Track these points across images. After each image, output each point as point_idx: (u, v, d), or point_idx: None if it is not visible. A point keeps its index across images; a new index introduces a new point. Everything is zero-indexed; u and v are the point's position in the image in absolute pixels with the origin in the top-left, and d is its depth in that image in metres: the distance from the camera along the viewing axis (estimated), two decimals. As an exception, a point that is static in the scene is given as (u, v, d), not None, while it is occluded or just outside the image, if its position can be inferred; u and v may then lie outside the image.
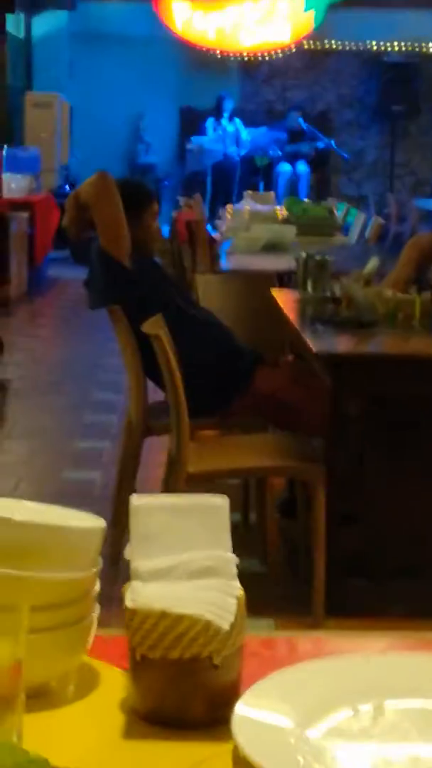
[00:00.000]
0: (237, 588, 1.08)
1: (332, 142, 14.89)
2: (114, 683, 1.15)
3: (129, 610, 1.06)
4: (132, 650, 1.07)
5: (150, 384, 4.37)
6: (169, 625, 1.04)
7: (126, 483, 4.41)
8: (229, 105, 14.85)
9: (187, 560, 1.07)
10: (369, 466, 4.14)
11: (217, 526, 1.10)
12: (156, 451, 4.91)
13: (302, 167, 14.76)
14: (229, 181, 14.53)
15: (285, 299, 4.77)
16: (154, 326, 3.77)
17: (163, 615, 1.04)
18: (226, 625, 1.04)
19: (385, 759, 0.99)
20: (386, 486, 4.10)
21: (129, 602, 1.06)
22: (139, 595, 1.05)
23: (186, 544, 1.09)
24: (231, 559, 1.09)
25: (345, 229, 8.90)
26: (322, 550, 3.83)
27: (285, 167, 14.72)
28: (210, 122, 14.84)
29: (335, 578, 3.88)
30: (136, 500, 1.11)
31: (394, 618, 3.88)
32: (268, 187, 13.74)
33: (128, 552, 1.10)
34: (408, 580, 4.18)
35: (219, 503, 1.12)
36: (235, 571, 1.09)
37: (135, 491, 4.37)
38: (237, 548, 1.13)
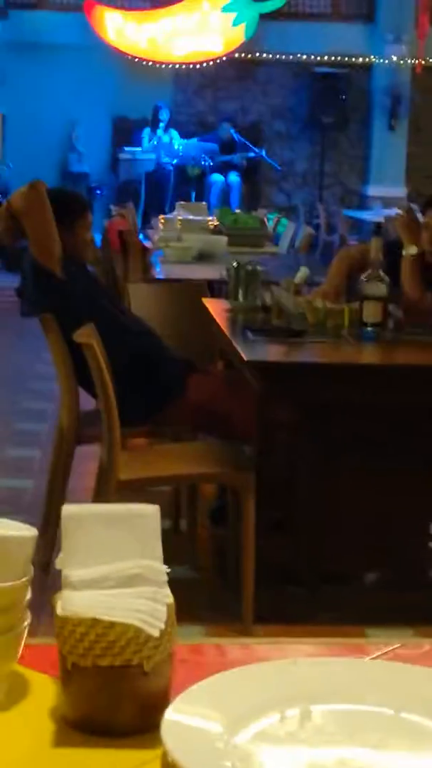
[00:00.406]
0: (167, 596, 1.09)
1: (263, 152, 14.96)
2: (44, 691, 1.15)
3: (60, 618, 1.07)
4: (63, 658, 1.08)
5: (81, 392, 4.37)
6: (100, 633, 1.05)
7: (56, 491, 4.41)
8: (164, 115, 14.87)
9: (118, 569, 1.09)
10: (299, 474, 4.17)
11: (147, 535, 1.12)
12: (87, 459, 4.91)
13: (234, 177, 14.82)
14: (163, 190, 14.54)
15: (216, 308, 4.80)
16: (86, 335, 3.78)
17: (94, 623, 1.05)
18: (156, 633, 1.06)
19: (313, 762, 1.01)
20: (316, 493, 4.13)
21: (60, 610, 1.07)
22: (70, 603, 1.06)
23: (117, 552, 1.10)
24: (161, 568, 1.10)
25: (275, 239, 8.95)
26: (252, 558, 3.85)
27: (217, 177, 14.76)
28: (146, 132, 14.85)
29: (265, 585, 3.91)
30: (67, 509, 1.12)
31: (323, 624, 3.92)
32: (200, 198, 13.77)
33: (60, 561, 1.11)
34: (336, 587, 4.22)
35: (150, 512, 1.13)
36: (165, 579, 1.10)
37: (65, 500, 4.37)
38: (167, 555, 1.14)
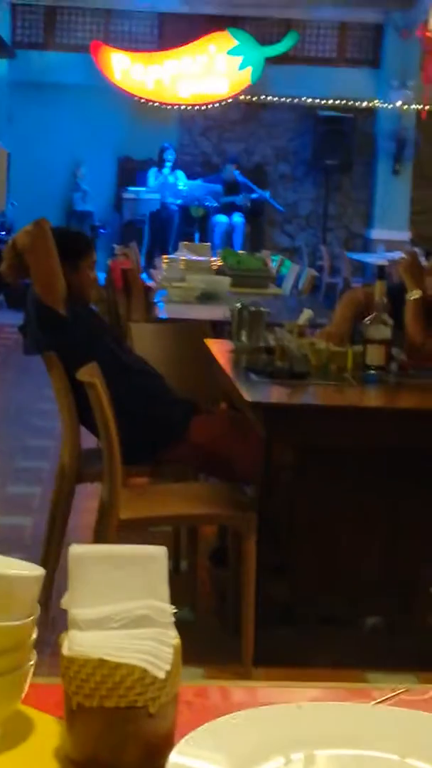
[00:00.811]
0: (173, 637, 1.09)
1: (267, 194, 15.05)
2: (48, 731, 1.15)
3: (66, 658, 1.07)
4: (68, 698, 1.08)
5: (83, 430, 4.38)
6: (106, 674, 1.05)
7: (56, 529, 4.40)
8: (170, 155, 14.97)
9: (125, 609, 1.09)
10: (300, 516, 4.17)
11: (154, 576, 1.12)
12: (87, 497, 4.91)
13: (237, 218, 14.89)
14: (167, 230, 14.61)
15: (219, 349, 4.81)
16: (89, 374, 3.78)
17: (100, 663, 1.05)
18: (161, 674, 1.06)
19: (317, 808, 1.01)
20: (316, 536, 4.12)
21: (66, 650, 1.07)
22: (77, 643, 1.06)
23: (123, 593, 1.10)
24: (167, 609, 1.10)
25: (279, 280, 8.99)
26: (252, 599, 3.84)
27: (221, 218, 14.84)
28: (152, 172, 14.94)
29: (264, 627, 3.90)
30: (74, 549, 1.12)
31: (323, 667, 3.90)
32: (204, 238, 13.84)
33: (66, 600, 1.11)
34: (334, 629, 4.20)
35: (157, 553, 1.13)
36: (171, 620, 1.10)
37: (65, 538, 4.37)
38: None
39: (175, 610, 1.11)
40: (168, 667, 1.06)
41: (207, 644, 3.98)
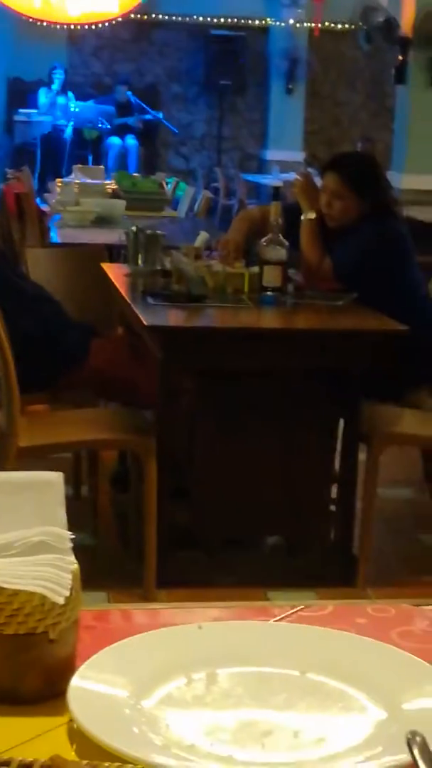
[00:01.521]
0: (72, 563, 1.09)
1: (160, 115, 14.89)
2: None
3: (-37, 587, 1.05)
4: (-34, 627, 1.07)
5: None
6: (4, 601, 1.05)
7: None
8: (60, 76, 14.69)
9: (22, 536, 1.08)
10: (199, 440, 4.18)
11: (51, 503, 1.11)
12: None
13: (131, 141, 14.72)
14: (59, 154, 14.38)
15: (115, 273, 4.77)
16: (-17, 300, 3.73)
17: (-2, 591, 1.04)
18: (61, 600, 1.05)
19: (220, 725, 1.02)
20: (215, 459, 4.14)
21: (-37, 579, 1.06)
22: (-26, 572, 1.05)
23: (20, 520, 1.09)
24: (65, 535, 1.10)
25: (174, 203, 8.92)
26: (153, 523, 3.86)
27: (114, 140, 14.65)
28: (42, 93, 14.66)
29: (166, 551, 3.92)
30: (-31, 477, 1.11)
31: (225, 588, 3.94)
32: (97, 161, 13.65)
33: (-38, 529, 1.10)
34: (237, 551, 4.25)
35: (53, 479, 1.12)
36: (69, 546, 1.09)
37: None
38: (69, 522, 1.13)
39: (73, 536, 1.10)
40: (67, 593, 1.06)
41: (109, 569, 3.99)
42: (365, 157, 5.65)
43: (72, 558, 1.09)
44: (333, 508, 4.29)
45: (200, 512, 4.19)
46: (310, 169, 5.66)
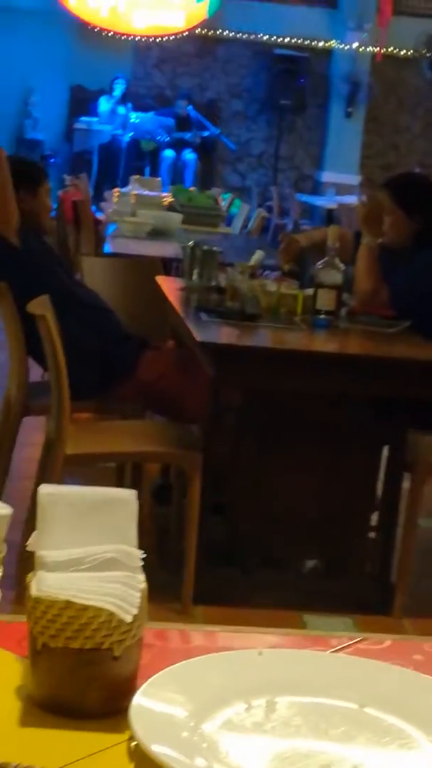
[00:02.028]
0: (141, 581, 1.09)
1: (218, 131, 14.93)
2: (10, 670, 1.15)
3: (33, 598, 1.07)
4: (33, 638, 1.08)
5: (31, 363, 4.35)
6: (73, 616, 1.06)
7: (1, 461, 4.38)
8: (121, 86, 14.77)
9: (93, 552, 1.09)
10: (243, 457, 4.19)
11: (123, 520, 1.12)
12: (33, 431, 4.89)
13: (188, 155, 14.77)
14: (115, 163, 14.46)
15: (169, 287, 4.79)
16: (40, 306, 3.75)
17: (67, 605, 1.05)
18: (128, 618, 1.06)
19: (279, 754, 1.02)
20: (258, 477, 4.14)
21: (34, 591, 1.07)
22: (44, 584, 1.06)
23: (92, 536, 1.10)
24: (136, 553, 1.11)
25: (228, 220, 8.95)
26: (194, 538, 3.86)
27: (168, 153, 14.71)
28: (102, 101, 14.75)
29: (204, 566, 3.92)
30: (44, 490, 1.12)
31: (260, 608, 3.94)
32: (154, 173, 13.71)
33: (33, 541, 1.11)
34: (273, 571, 4.24)
35: (127, 497, 1.13)
36: (139, 564, 1.10)
37: (9, 471, 4.36)
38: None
39: (144, 555, 1.11)
40: (135, 611, 1.07)
41: (147, 581, 3.99)
42: (418, 177, 5.64)
43: (142, 576, 1.09)
44: (373, 535, 4.29)
45: (239, 530, 4.19)
46: (370, 194, 5.59)
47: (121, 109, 14.68)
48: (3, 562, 1.12)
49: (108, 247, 6.45)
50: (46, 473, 3.88)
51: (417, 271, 4.40)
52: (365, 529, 4.28)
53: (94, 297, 4.51)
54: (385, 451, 4.24)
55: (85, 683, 1.07)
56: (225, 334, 4.13)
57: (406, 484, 4.15)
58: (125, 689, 1.08)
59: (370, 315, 4.43)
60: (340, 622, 3.86)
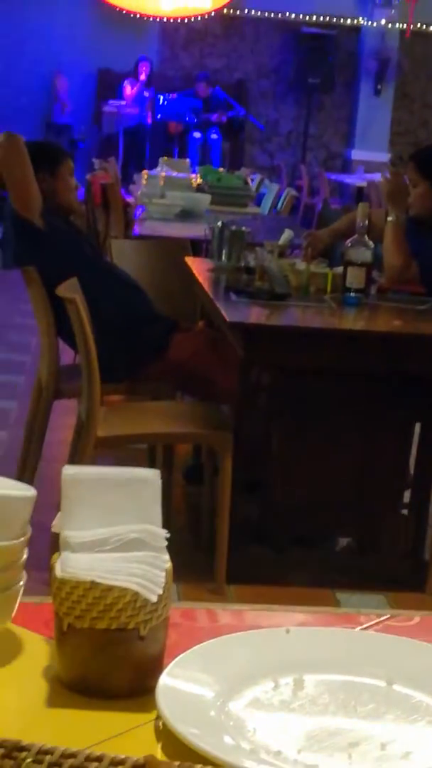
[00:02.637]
0: (166, 561, 1.09)
1: (243, 111, 14.88)
2: (37, 651, 1.15)
3: (58, 579, 1.06)
4: (59, 619, 1.08)
5: (62, 345, 4.36)
6: (98, 596, 1.05)
7: (33, 444, 4.40)
8: (146, 69, 14.74)
9: (117, 532, 1.08)
10: (274, 436, 4.18)
11: (147, 500, 1.11)
12: (64, 414, 4.91)
13: (214, 136, 14.73)
14: (143, 145, 14.44)
15: (199, 267, 4.78)
16: (69, 290, 3.75)
17: (92, 586, 1.05)
18: (153, 598, 1.06)
19: (307, 731, 1.02)
20: (290, 456, 4.14)
21: (59, 572, 1.07)
22: (69, 565, 1.06)
23: (116, 516, 1.10)
24: (160, 533, 1.10)
25: (258, 200, 8.92)
26: (227, 518, 3.86)
27: (198, 135, 14.67)
28: (127, 85, 14.72)
29: (237, 546, 3.92)
30: (68, 471, 1.11)
31: (293, 586, 3.94)
32: (182, 154, 13.69)
33: (58, 522, 1.11)
34: (306, 549, 4.24)
35: (150, 477, 1.13)
36: (164, 544, 1.10)
37: (41, 453, 4.37)
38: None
39: (167, 535, 1.10)
40: (160, 591, 1.07)
41: (180, 561, 3.95)
42: None
43: (166, 556, 1.09)
44: (405, 512, 4.27)
45: (272, 509, 4.19)
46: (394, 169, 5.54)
47: (147, 92, 14.65)
48: (28, 543, 1.12)
49: (137, 230, 6.45)
50: (78, 456, 3.89)
51: None
52: (398, 506, 4.27)
53: (125, 276, 4.51)
54: (418, 429, 4.23)
55: (112, 663, 1.07)
56: (254, 314, 4.12)
57: (438, 462, 4.13)
58: (152, 669, 1.08)
59: (400, 292, 4.41)
60: (374, 600, 3.86)
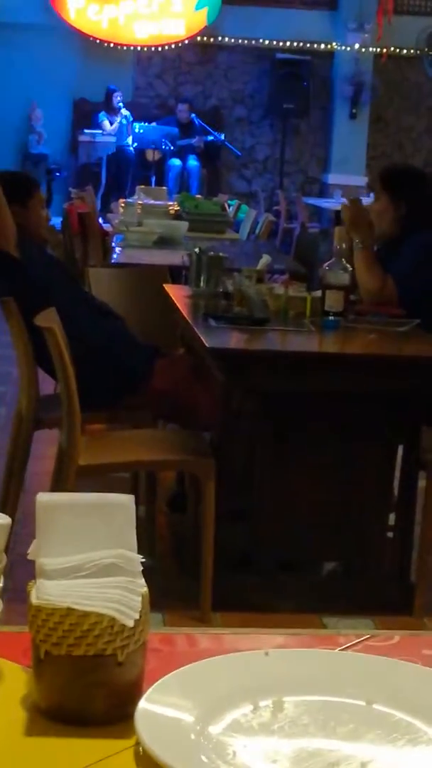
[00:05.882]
0: (141, 586, 1.09)
1: (221, 137, 14.93)
2: (15, 680, 1.15)
3: (34, 606, 1.06)
4: (35, 647, 1.08)
5: (42, 375, 4.35)
6: (74, 623, 1.05)
7: (15, 475, 4.38)
8: (118, 98, 14.78)
9: (93, 558, 1.08)
10: (258, 462, 4.18)
11: (122, 525, 1.11)
12: (46, 444, 4.89)
13: (192, 162, 14.78)
14: (123, 174, 14.47)
15: (177, 294, 4.78)
16: (47, 319, 3.75)
17: (68, 612, 1.05)
18: (130, 623, 1.06)
19: (286, 753, 1.01)
20: (274, 482, 4.13)
21: (34, 599, 1.06)
22: (45, 592, 1.06)
23: (91, 542, 1.09)
24: (135, 558, 1.10)
25: (236, 225, 8.94)
26: (211, 545, 3.85)
27: (175, 162, 14.72)
28: (102, 115, 14.77)
29: (222, 573, 3.91)
30: (42, 498, 1.11)
31: (281, 612, 3.93)
32: (160, 182, 13.72)
33: (33, 549, 1.10)
34: (292, 574, 4.23)
35: (124, 502, 1.12)
36: (139, 569, 1.10)
37: (24, 484, 4.36)
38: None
39: (143, 559, 1.10)
40: (137, 616, 1.06)
41: (165, 589, 3.99)
42: (409, 167, 5.68)
43: (142, 581, 1.09)
44: (390, 534, 4.27)
45: (257, 535, 4.18)
46: (358, 196, 5.54)
47: (123, 120, 14.69)
48: (3, 572, 1.12)
49: (115, 258, 6.45)
50: (60, 485, 3.88)
51: (410, 254, 4.43)
52: (383, 529, 4.26)
53: (103, 305, 4.51)
54: (400, 451, 4.23)
55: (90, 690, 1.06)
56: (234, 339, 4.13)
57: (422, 483, 4.13)
58: (131, 695, 1.07)
59: (379, 314, 4.42)
60: (361, 624, 3.85)
